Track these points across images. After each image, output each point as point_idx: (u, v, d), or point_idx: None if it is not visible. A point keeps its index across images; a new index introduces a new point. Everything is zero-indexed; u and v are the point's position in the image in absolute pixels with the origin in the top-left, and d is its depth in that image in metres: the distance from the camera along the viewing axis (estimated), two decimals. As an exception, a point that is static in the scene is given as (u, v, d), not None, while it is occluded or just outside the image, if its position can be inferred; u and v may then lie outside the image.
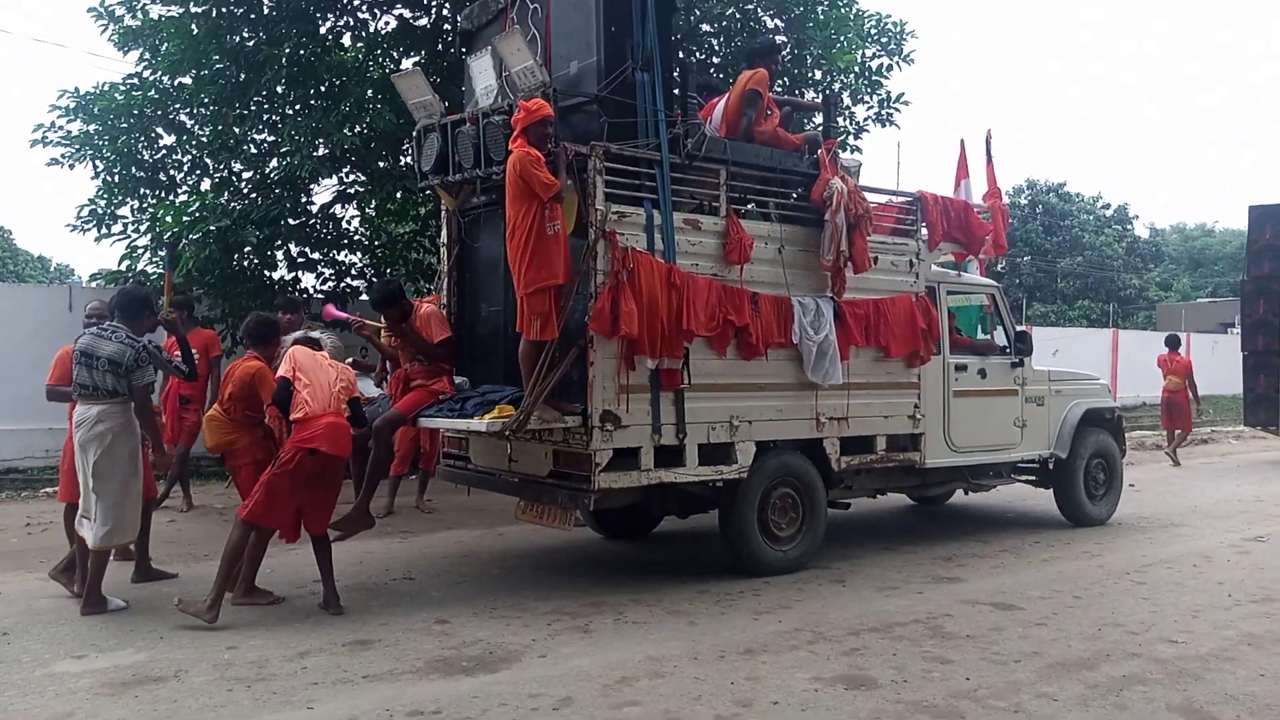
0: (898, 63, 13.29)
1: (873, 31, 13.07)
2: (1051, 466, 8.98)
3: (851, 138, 13.32)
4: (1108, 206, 42.44)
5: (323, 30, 11.46)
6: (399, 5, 11.68)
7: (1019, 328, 9.03)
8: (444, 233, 7.52)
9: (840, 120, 12.88)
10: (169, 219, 10.81)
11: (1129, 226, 43.50)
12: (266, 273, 11.52)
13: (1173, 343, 14.70)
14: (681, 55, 11.90)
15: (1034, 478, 9.22)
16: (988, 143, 9.22)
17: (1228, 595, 6.60)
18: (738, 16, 12.08)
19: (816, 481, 7.21)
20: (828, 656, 5.11)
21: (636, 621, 5.72)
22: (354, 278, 12.62)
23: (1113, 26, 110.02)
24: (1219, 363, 25.31)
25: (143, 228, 11.32)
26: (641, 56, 6.40)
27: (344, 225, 12.41)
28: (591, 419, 5.92)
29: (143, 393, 5.92)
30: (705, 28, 12.30)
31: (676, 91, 6.94)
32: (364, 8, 11.69)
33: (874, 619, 5.85)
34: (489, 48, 6.94)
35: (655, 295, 6.15)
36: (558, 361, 5.94)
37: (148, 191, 11.44)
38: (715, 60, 12.45)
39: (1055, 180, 40.78)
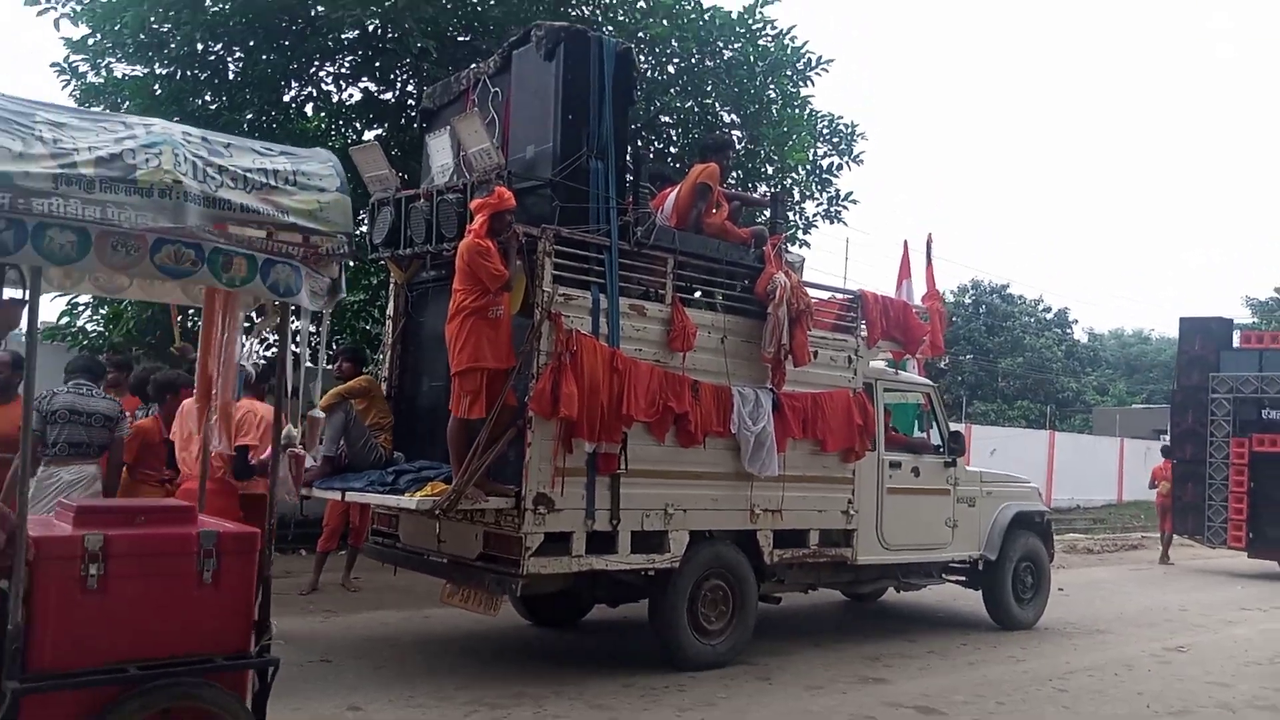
0: (848, 162, 13.73)
1: (824, 131, 13.50)
2: (981, 568, 9.08)
3: (801, 232, 13.66)
4: (1049, 310, 43.71)
5: (287, 98, 11.58)
6: (364, 78, 11.84)
7: (953, 427, 9.21)
8: (391, 305, 7.55)
9: (790, 216, 13.23)
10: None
11: (1069, 330, 44.80)
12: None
13: (1166, 452, 15.62)
14: (640, 144, 12.20)
15: (964, 578, 9.30)
16: (928, 246, 9.53)
17: (1146, 706, 6.67)
18: (695, 110, 12.42)
19: (748, 574, 7.21)
20: (748, 755, 5.06)
21: (556, 715, 5.63)
22: (298, 345, 12.50)
23: (1059, 135, 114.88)
24: (1151, 469, 25.91)
25: (85, 282, 11.19)
26: (596, 145, 6.57)
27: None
28: (525, 501, 5.90)
29: (120, 446, 6.08)
30: (664, 119, 12.62)
31: (629, 180, 7.11)
32: (329, 79, 11.83)
33: (798, 718, 5.82)
34: (448, 127, 7.07)
35: (597, 379, 6.21)
36: (494, 441, 5.94)
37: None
38: (673, 150, 12.75)
39: (999, 281, 41.97)
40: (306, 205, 3.65)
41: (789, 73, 12.59)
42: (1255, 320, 35.89)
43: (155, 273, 3.46)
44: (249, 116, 10.87)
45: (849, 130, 13.73)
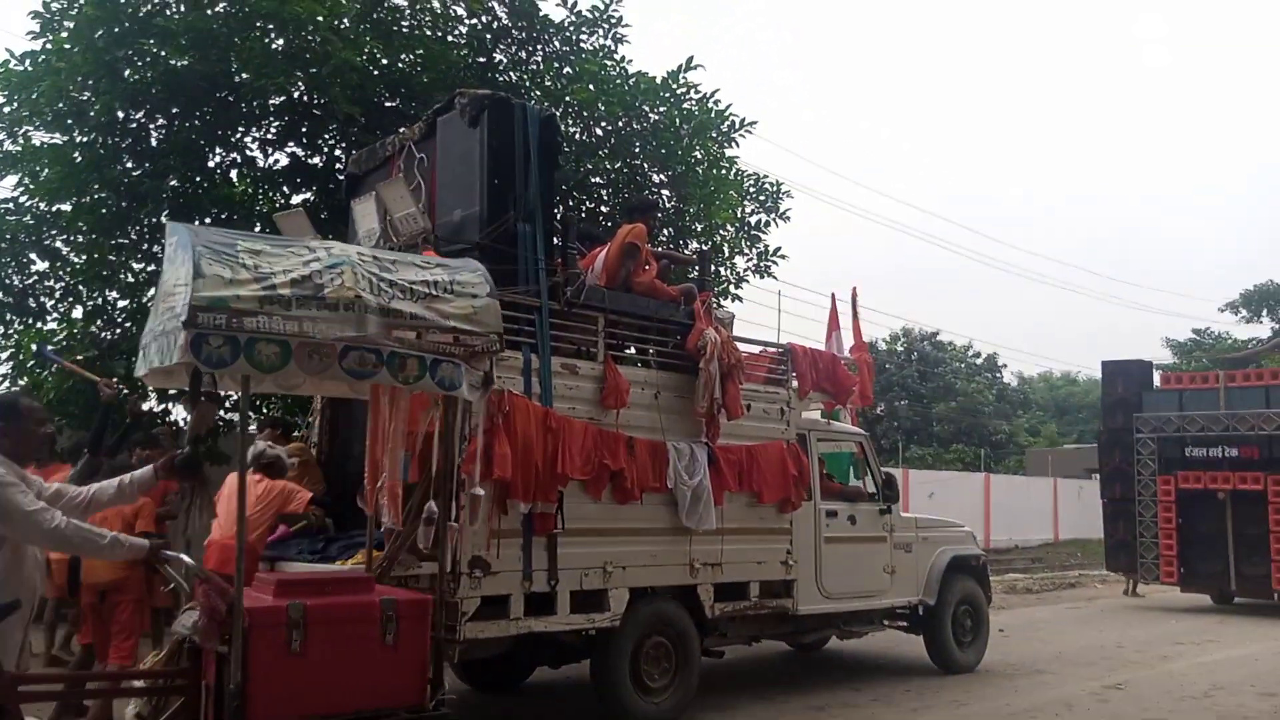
0: (775, 219, 13.98)
1: (751, 189, 13.76)
2: (921, 613, 9.16)
3: (732, 288, 13.85)
4: (978, 355, 44.67)
5: (211, 164, 11.49)
6: (290, 143, 11.81)
7: (887, 473, 9.34)
8: (319, 370, 7.45)
9: (721, 271, 13.42)
10: (33, 346, 10.44)
11: (999, 374, 45.77)
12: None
13: None
14: (571, 204, 12.32)
15: (904, 624, 9.36)
16: (854, 300, 9.73)
17: (1085, 744, 6.75)
18: (625, 170, 12.59)
19: (690, 629, 7.18)
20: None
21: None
22: (228, 411, 12.29)
23: (980, 178, 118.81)
24: (1084, 507, 26.45)
25: (4, 355, 10.91)
26: (523, 208, 6.64)
27: (220, 358, 12.15)
28: (460, 565, 5.82)
29: None
30: (595, 179, 12.77)
31: (557, 241, 7.18)
32: (254, 145, 11.78)
33: (742, 774, 5.77)
34: (373, 193, 7.08)
35: (530, 438, 6.19)
36: (423, 503, 5.86)
37: (14, 318, 11.06)
38: (604, 210, 12.89)
39: (929, 329, 42.87)
40: (463, 310, 4.24)
41: (714, 134, 12.85)
42: (1176, 361, 37.09)
43: (344, 375, 3.99)
44: (172, 184, 10.76)
45: (775, 188, 14.01)
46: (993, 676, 9.19)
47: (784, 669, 9.54)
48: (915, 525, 9.29)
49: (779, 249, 13.98)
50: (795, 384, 8.28)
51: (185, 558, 4.19)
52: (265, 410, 12.10)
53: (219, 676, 3.82)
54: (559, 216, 7.93)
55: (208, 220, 11.35)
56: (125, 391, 7.87)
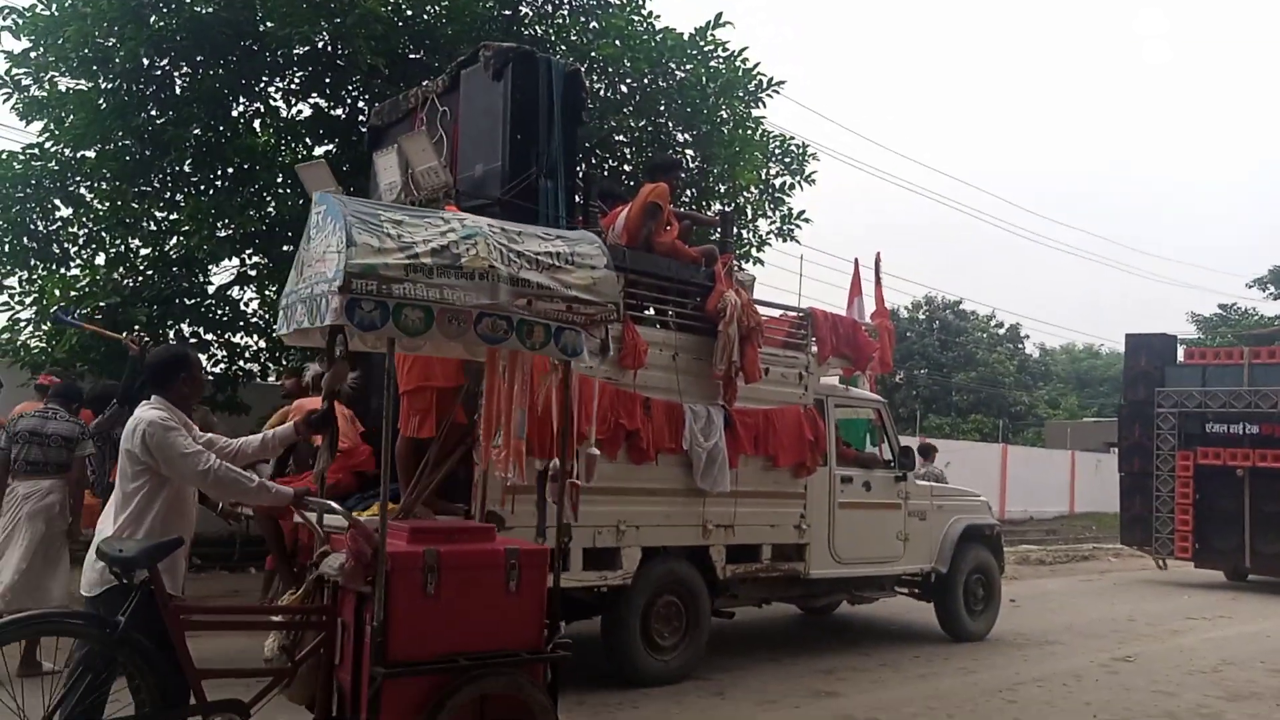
0: (799, 182, 13.84)
1: (776, 151, 13.61)
2: (933, 580, 9.17)
3: (754, 250, 13.76)
4: (1001, 325, 44.34)
5: (234, 113, 11.47)
6: (314, 94, 11.76)
7: (904, 442, 9.31)
8: (339, 322, 7.47)
9: (743, 234, 13.32)
10: (56, 292, 10.52)
11: (1021, 345, 45.43)
12: (155, 352, 11.24)
13: None
14: (594, 162, 12.24)
15: (916, 591, 9.39)
16: (877, 265, 9.65)
17: (1093, 716, 6.77)
18: (649, 129, 12.48)
19: (701, 590, 7.23)
20: (699, 772, 5.05)
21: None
22: (248, 361, 12.38)
23: (1007, 157, 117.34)
24: (1102, 481, 26.37)
25: (28, 300, 11.00)
26: (546, 164, 6.59)
27: (241, 308, 12.23)
28: (474, 519, 5.85)
29: (80, 465, 6.87)
30: (619, 138, 12.66)
31: (579, 198, 7.13)
32: (278, 95, 11.74)
33: (749, 734, 5.83)
34: (396, 145, 7.04)
35: (547, 396, 6.18)
36: (444, 459, 5.89)
37: (38, 263, 11.13)
38: (627, 169, 12.80)
39: (952, 298, 42.54)
40: (584, 281, 4.42)
41: (740, 94, 12.68)
42: (1200, 336, 36.71)
43: (478, 340, 4.21)
44: (195, 132, 10.75)
45: (800, 151, 13.86)
46: (1002, 646, 9.21)
47: (794, 632, 9.60)
48: (930, 493, 9.28)
49: (803, 212, 13.87)
50: (815, 349, 8.25)
51: (334, 505, 4.47)
52: (285, 361, 12.18)
53: (357, 614, 4.12)
54: (581, 174, 7.88)
55: (229, 170, 11.37)
56: (147, 340, 7.93)
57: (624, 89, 12.19)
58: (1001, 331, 44.05)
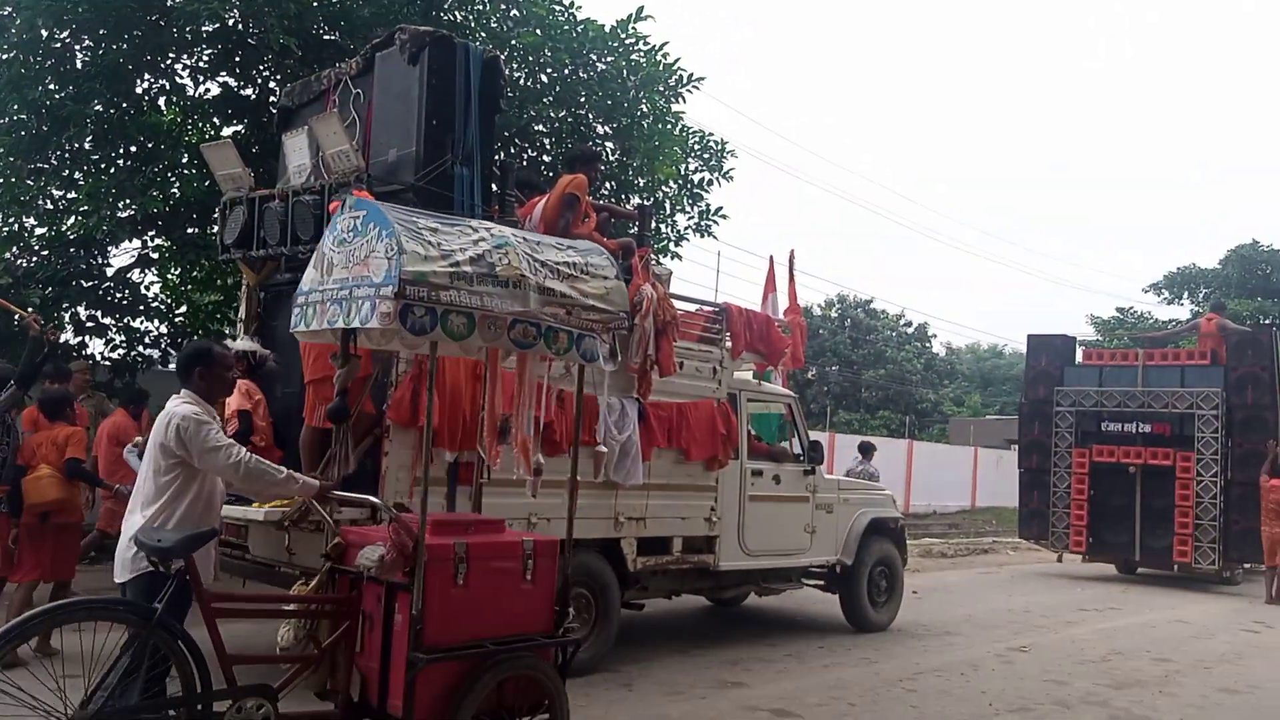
0: (718, 178, 13.95)
1: (695, 147, 13.70)
2: (838, 572, 9.35)
3: (672, 244, 13.82)
4: (910, 324, 45.37)
5: (138, 90, 11.06)
6: (223, 73, 11.41)
7: (813, 437, 9.47)
8: (243, 308, 7.30)
9: (661, 229, 13.37)
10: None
11: (928, 344, 46.57)
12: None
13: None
14: (513, 151, 12.14)
15: (822, 583, 9.56)
16: (791, 263, 9.77)
17: (989, 705, 6.99)
18: (569, 120, 12.43)
19: (611, 582, 7.24)
20: (604, 763, 5.07)
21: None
22: (147, 346, 11.98)
23: (914, 160, 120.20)
24: (1002, 476, 27.17)
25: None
26: (461, 151, 6.51)
27: (142, 291, 11.83)
28: (380, 513, 5.75)
29: None
30: (538, 128, 12.58)
31: (495, 187, 7.06)
32: (185, 72, 11.36)
33: (655, 724, 5.87)
34: (306, 127, 6.89)
35: (459, 387, 6.13)
36: (349, 450, 5.79)
37: (-74, 242, 10.61)
38: (546, 159, 12.73)
39: (864, 297, 43.37)
40: (599, 290, 4.68)
41: (661, 88, 12.73)
42: (1098, 338, 38.14)
43: (510, 345, 4.40)
44: (96, 108, 10.35)
45: (719, 147, 13.97)
46: (904, 636, 9.45)
47: (702, 623, 9.70)
48: (837, 487, 9.45)
49: (720, 208, 13.99)
50: (729, 344, 8.31)
51: (374, 499, 4.81)
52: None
53: (387, 605, 4.34)
54: (498, 162, 7.79)
55: (131, 148, 10.97)
56: (50, 323, 7.64)
57: (544, 79, 12.11)
58: (910, 330, 45.09)
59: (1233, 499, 14.26)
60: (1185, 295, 40.35)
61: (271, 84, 11.42)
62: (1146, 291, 41.54)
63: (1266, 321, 32.52)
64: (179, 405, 4.37)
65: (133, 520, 4.30)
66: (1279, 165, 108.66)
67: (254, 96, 11.57)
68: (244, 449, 4.43)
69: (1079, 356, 16.82)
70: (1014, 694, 7.33)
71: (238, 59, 11.11)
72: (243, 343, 6.74)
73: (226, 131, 11.43)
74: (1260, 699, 7.72)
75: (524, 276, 4.34)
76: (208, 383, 4.52)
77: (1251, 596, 13.65)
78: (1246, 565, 14.95)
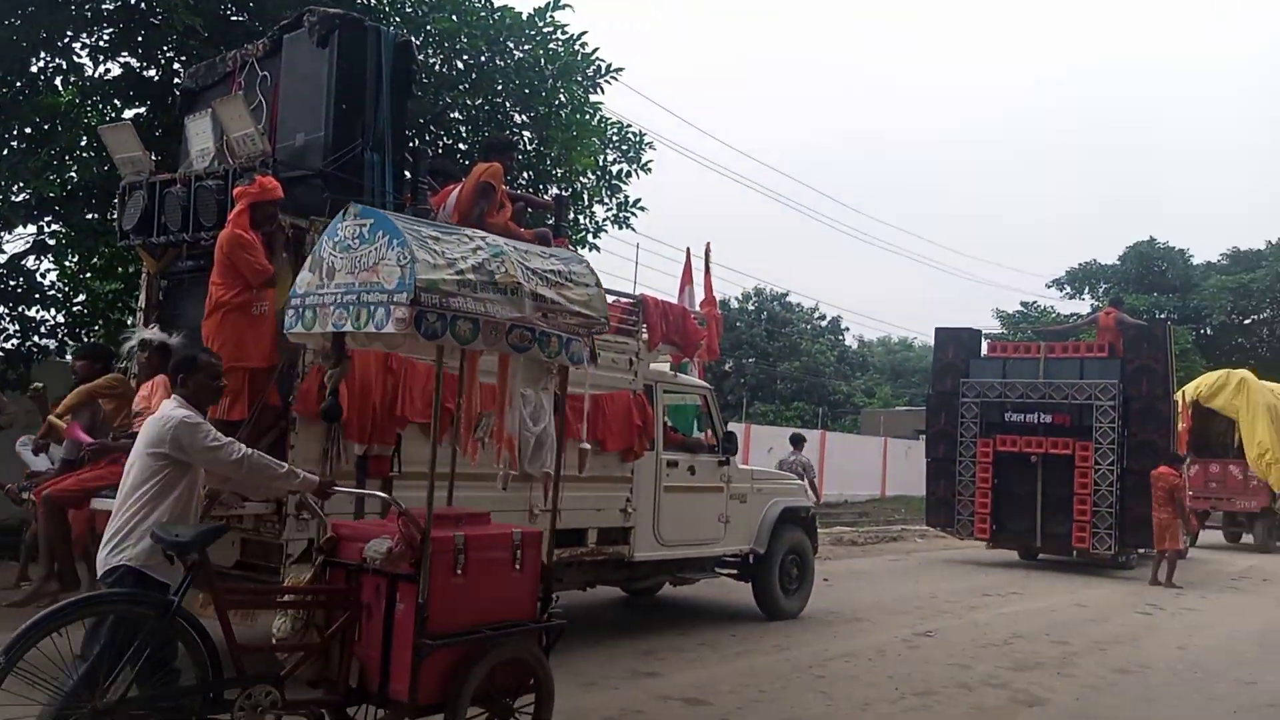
0: (636, 170, 13.96)
1: (614, 138, 13.68)
2: (751, 561, 9.47)
3: (590, 236, 13.79)
4: (824, 318, 46.21)
5: (33, 69, 10.58)
6: (125, 53, 10.99)
7: (728, 428, 9.56)
8: (142, 296, 7.06)
9: (579, 219, 13.33)
10: None
11: (841, 337, 47.52)
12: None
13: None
14: (428, 138, 11.96)
15: (735, 571, 9.67)
16: (706, 256, 9.85)
17: (895, 689, 7.16)
18: (485, 108, 12.30)
19: (525, 574, 7.19)
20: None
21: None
22: (44, 336, 11.50)
23: (833, 159, 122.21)
24: (911, 466, 27.84)
25: None
26: (372, 137, 6.39)
27: (38, 279, 11.35)
28: (286, 506, 5.64)
29: None
30: (454, 115, 12.42)
31: (408, 174, 6.95)
32: (84, 51, 10.90)
33: (566, 716, 5.85)
34: (209, 110, 6.68)
35: (369, 378, 6.03)
36: (255, 442, 5.64)
37: None
38: (462, 147, 12.57)
39: (780, 290, 43.98)
40: (582, 297, 4.95)
41: (579, 78, 12.66)
42: (1003, 331, 39.31)
43: (508, 348, 4.67)
44: (-13, 87, 9.88)
45: (637, 139, 13.98)
46: (814, 623, 9.62)
47: (617, 614, 9.73)
48: (751, 477, 9.56)
49: (638, 200, 14.00)
50: (645, 335, 8.33)
51: (382, 494, 5.08)
52: (87, 336, 11.43)
53: (389, 595, 4.51)
54: (411, 149, 7.67)
55: (26, 129, 10.51)
56: None
57: (460, 65, 11.95)
58: (824, 323, 45.91)
59: (1128, 487, 14.80)
60: (1086, 290, 41.88)
61: (175, 65, 11.04)
62: (1049, 287, 42.98)
63: (1162, 316, 33.93)
64: (174, 410, 4.43)
65: (115, 521, 4.36)
66: (1175, 166, 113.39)
67: (157, 78, 11.18)
68: (242, 445, 4.52)
69: (984, 349, 17.29)
70: (919, 678, 7.53)
71: (140, 38, 10.72)
72: (149, 333, 6.52)
73: (127, 114, 11.02)
74: (1150, 678, 8.07)
75: (519, 284, 4.60)
76: (193, 389, 4.56)
77: (1145, 580, 14.24)
78: (1141, 550, 15.57)
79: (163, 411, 4.47)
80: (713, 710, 6.16)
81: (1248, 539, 21.43)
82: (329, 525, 4.95)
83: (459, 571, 4.55)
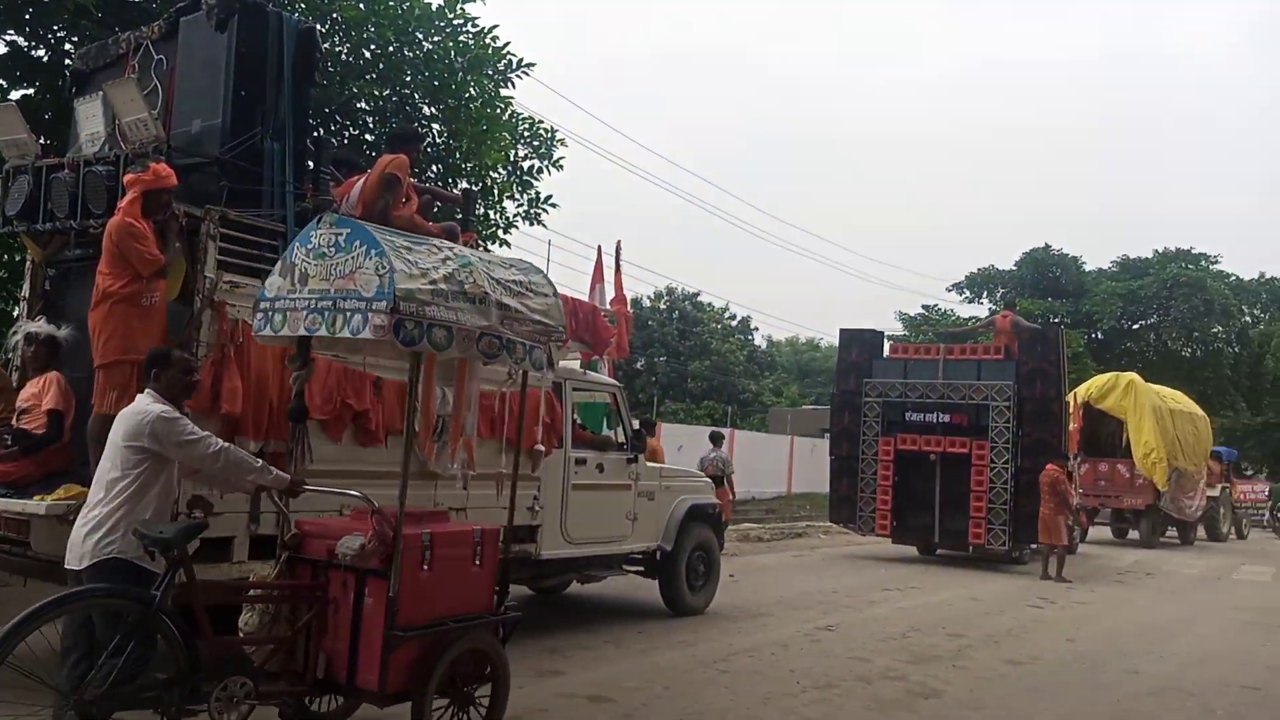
0: (547, 166, 13.87)
1: (525, 133, 13.57)
2: (658, 558, 9.51)
3: (501, 231, 13.66)
4: (734, 317, 46.70)
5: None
6: (11, 31, 10.46)
7: (635, 425, 9.58)
8: (26, 285, 6.74)
9: (490, 215, 13.19)
10: None
11: (750, 337, 48.09)
12: None
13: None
14: (333, 128, 11.69)
15: (642, 568, 9.70)
16: (617, 253, 9.86)
17: (796, 682, 7.28)
18: (393, 99, 12.08)
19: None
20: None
21: None
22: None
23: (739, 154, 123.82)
24: (816, 464, 28.32)
25: None
26: (272, 125, 6.22)
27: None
28: (177, 504, 5.44)
29: None
30: (361, 105, 12.16)
31: (310, 164, 6.78)
32: (-37, 27, 10.35)
33: (471, 716, 5.79)
34: (101, 93, 6.41)
35: (265, 373, 5.87)
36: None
37: None
38: (369, 138, 12.33)
39: (692, 289, 44.30)
40: (542, 306, 5.26)
41: (489, 71, 12.54)
42: (905, 333, 40.31)
43: (479, 355, 4.92)
44: None
45: (549, 135, 13.89)
46: (720, 619, 9.71)
47: (523, 613, 9.62)
48: (659, 475, 9.61)
49: (550, 196, 13.91)
50: (554, 332, 8.28)
51: (355, 492, 5.10)
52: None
53: (358, 590, 4.74)
54: (314, 138, 7.49)
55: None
56: None
57: (368, 55, 11.72)
58: (734, 323, 46.39)
59: (1022, 485, 15.33)
60: (984, 294, 43.21)
61: (66, 45, 10.56)
62: (949, 290, 44.24)
63: (1055, 320, 35.23)
64: (151, 404, 4.54)
65: (95, 512, 4.47)
66: (1067, 177, 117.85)
67: (46, 58, 10.68)
68: (218, 439, 4.68)
69: (886, 350, 17.70)
70: (820, 671, 7.67)
71: (28, 16, 10.22)
72: (36, 326, 6.22)
73: (14, 95, 10.50)
74: (1039, 669, 8.36)
75: (487, 294, 4.87)
76: (166, 384, 4.67)
77: (1037, 575, 14.75)
78: (1034, 545, 16.13)
79: (139, 406, 4.57)
80: (617, 707, 6.17)
81: (1134, 535, 22.41)
82: (294, 522, 5.15)
83: (425, 567, 4.80)
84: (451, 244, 5.16)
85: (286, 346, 5.61)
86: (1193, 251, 42.25)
